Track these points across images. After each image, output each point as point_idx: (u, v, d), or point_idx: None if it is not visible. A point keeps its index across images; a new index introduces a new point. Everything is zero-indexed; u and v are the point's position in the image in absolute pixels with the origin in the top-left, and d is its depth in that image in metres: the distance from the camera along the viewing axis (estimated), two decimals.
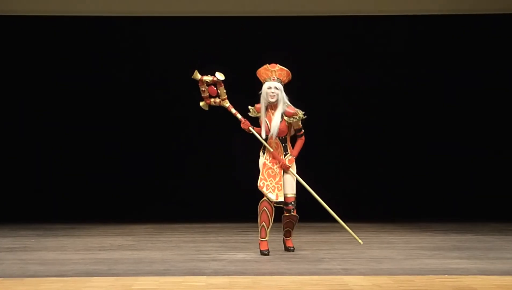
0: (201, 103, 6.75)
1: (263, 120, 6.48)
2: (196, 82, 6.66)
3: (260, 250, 6.48)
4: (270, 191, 6.39)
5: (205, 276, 5.30)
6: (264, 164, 6.51)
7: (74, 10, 9.95)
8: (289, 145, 6.54)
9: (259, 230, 6.49)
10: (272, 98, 6.40)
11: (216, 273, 5.47)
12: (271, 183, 6.41)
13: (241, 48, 10.19)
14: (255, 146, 10.65)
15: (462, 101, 10.54)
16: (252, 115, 6.60)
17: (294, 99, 6.61)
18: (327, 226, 8.99)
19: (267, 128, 6.46)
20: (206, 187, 10.42)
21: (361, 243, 6.61)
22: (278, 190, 6.39)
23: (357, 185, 10.45)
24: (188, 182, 10.49)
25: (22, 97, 10.46)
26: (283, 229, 6.64)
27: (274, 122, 6.43)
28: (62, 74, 10.41)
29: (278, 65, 6.48)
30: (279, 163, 6.46)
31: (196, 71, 6.61)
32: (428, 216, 10.16)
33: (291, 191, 6.46)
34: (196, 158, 10.53)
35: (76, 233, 8.51)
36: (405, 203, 10.43)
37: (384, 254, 6.54)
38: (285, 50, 9.10)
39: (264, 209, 6.44)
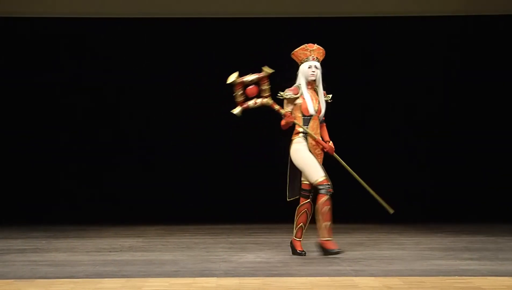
0: (237, 110, 6.37)
1: (306, 98, 6.36)
2: (232, 86, 6.35)
3: (298, 251, 6.42)
4: None
5: (215, 278, 5.31)
6: (310, 153, 6.35)
7: (70, 11, 10.04)
8: None
9: (296, 231, 6.41)
10: (312, 76, 6.38)
11: (226, 274, 5.47)
12: None
13: (237, 49, 10.23)
14: (264, 148, 10.68)
15: (472, 100, 10.53)
16: (292, 97, 6.34)
17: None
18: (337, 227, 8.97)
19: (307, 107, 6.35)
20: (217, 188, 10.43)
21: (392, 211, 6.53)
22: None
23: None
24: (198, 183, 10.50)
25: (29, 99, 10.49)
26: (326, 225, 6.30)
27: (322, 102, 6.41)
28: (67, 79, 10.45)
29: (315, 44, 6.47)
30: (323, 148, 6.40)
31: (236, 74, 6.32)
32: (439, 217, 10.14)
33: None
34: (206, 159, 10.53)
35: (87, 234, 8.53)
36: (416, 204, 10.40)
37: (394, 255, 6.53)
38: (284, 50, 9.12)
39: (306, 211, 6.38)
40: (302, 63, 6.45)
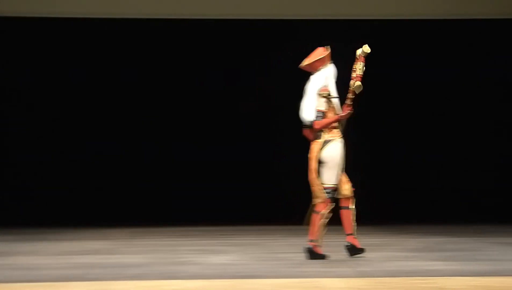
0: (358, 83, 6.17)
1: (335, 101, 6.22)
2: (364, 57, 6.19)
3: (320, 254, 6.28)
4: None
5: (182, 280, 5.28)
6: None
7: (83, 12, 10.00)
8: None
9: (320, 235, 6.25)
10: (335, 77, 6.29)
11: (193, 276, 5.44)
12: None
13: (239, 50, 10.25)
14: (236, 151, 10.65)
15: (450, 105, 10.65)
16: (329, 96, 6.17)
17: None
18: (303, 229, 8.99)
19: (339, 108, 6.22)
20: (185, 191, 10.40)
21: (305, 225, 6.37)
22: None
23: None
24: (165, 185, 10.46)
25: (25, 98, 10.41)
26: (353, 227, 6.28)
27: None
28: (59, 75, 10.38)
29: None
30: None
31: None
32: (406, 219, 10.21)
33: None
34: (178, 161, 10.51)
35: (50, 237, 8.44)
36: (384, 206, 10.47)
37: (361, 256, 6.55)
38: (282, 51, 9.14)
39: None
40: (327, 65, 6.26)
